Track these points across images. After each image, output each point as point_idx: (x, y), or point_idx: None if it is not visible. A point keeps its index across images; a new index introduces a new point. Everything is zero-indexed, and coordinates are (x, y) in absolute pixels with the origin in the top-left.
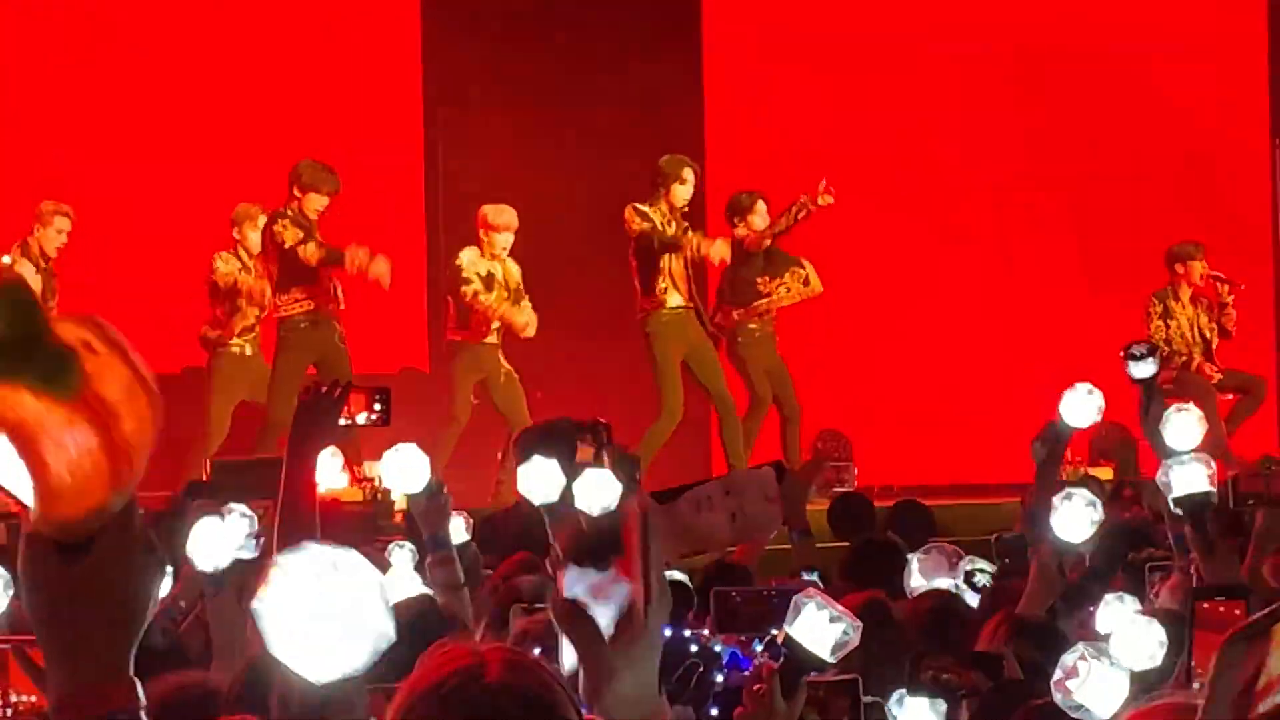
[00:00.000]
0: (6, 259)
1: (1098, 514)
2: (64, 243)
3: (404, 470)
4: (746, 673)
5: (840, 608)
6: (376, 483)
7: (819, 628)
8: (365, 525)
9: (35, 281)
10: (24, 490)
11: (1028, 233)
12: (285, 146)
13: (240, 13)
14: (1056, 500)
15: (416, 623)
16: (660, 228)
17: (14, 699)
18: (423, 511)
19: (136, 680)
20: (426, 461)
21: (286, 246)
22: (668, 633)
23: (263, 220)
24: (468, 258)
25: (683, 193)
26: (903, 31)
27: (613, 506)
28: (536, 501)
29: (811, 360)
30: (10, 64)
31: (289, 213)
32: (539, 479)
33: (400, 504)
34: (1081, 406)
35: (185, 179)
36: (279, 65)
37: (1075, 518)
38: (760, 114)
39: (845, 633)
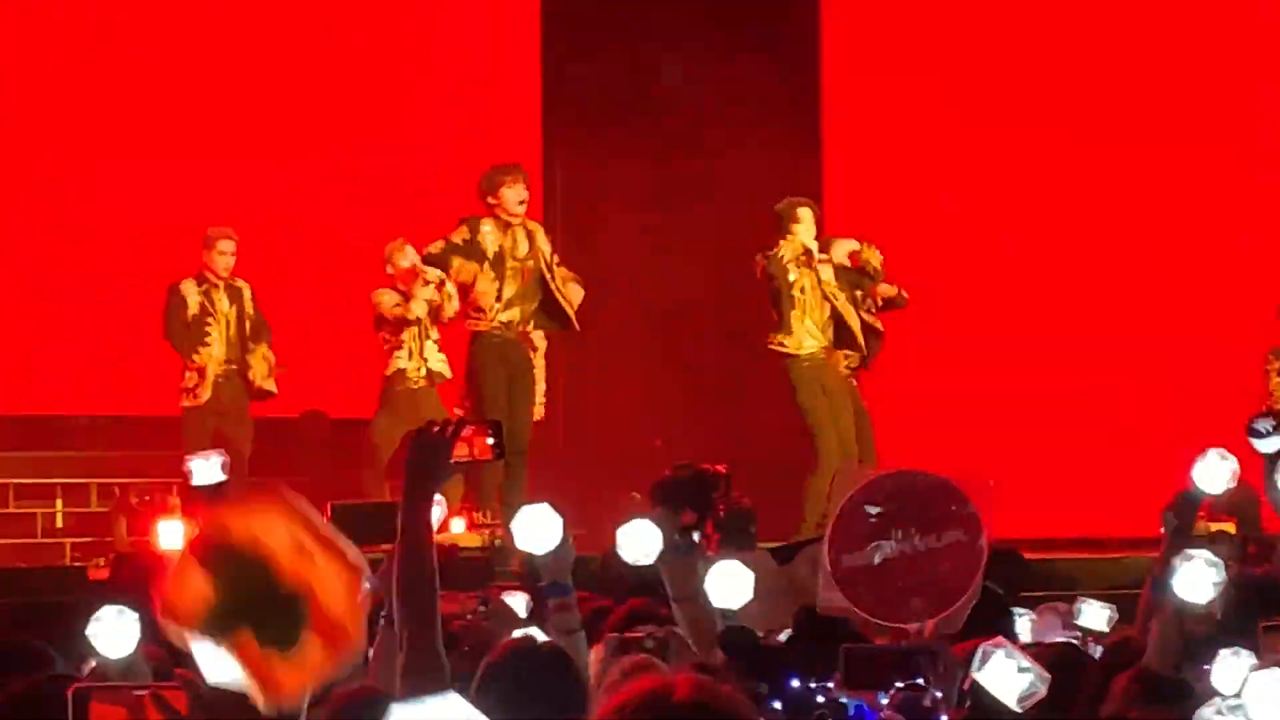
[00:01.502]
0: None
1: (1220, 575)
2: (231, 263)
3: (536, 530)
4: None
5: (1029, 659)
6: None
7: (1007, 676)
8: (482, 572)
9: (195, 301)
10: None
11: (1159, 273)
12: (405, 177)
13: (365, 52)
14: (1177, 561)
15: (531, 668)
16: (787, 271)
17: None
18: (545, 561)
19: None
20: (560, 522)
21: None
22: (794, 684)
23: (410, 250)
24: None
25: (802, 232)
26: (1016, 91)
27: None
28: (632, 562)
29: (929, 407)
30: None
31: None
32: (637, 540)
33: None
34: (1215, 473)
35: (326, 212)
36: (402, 100)
37: (1197, 579)
38: (879, 155)
39: (1033, 683)
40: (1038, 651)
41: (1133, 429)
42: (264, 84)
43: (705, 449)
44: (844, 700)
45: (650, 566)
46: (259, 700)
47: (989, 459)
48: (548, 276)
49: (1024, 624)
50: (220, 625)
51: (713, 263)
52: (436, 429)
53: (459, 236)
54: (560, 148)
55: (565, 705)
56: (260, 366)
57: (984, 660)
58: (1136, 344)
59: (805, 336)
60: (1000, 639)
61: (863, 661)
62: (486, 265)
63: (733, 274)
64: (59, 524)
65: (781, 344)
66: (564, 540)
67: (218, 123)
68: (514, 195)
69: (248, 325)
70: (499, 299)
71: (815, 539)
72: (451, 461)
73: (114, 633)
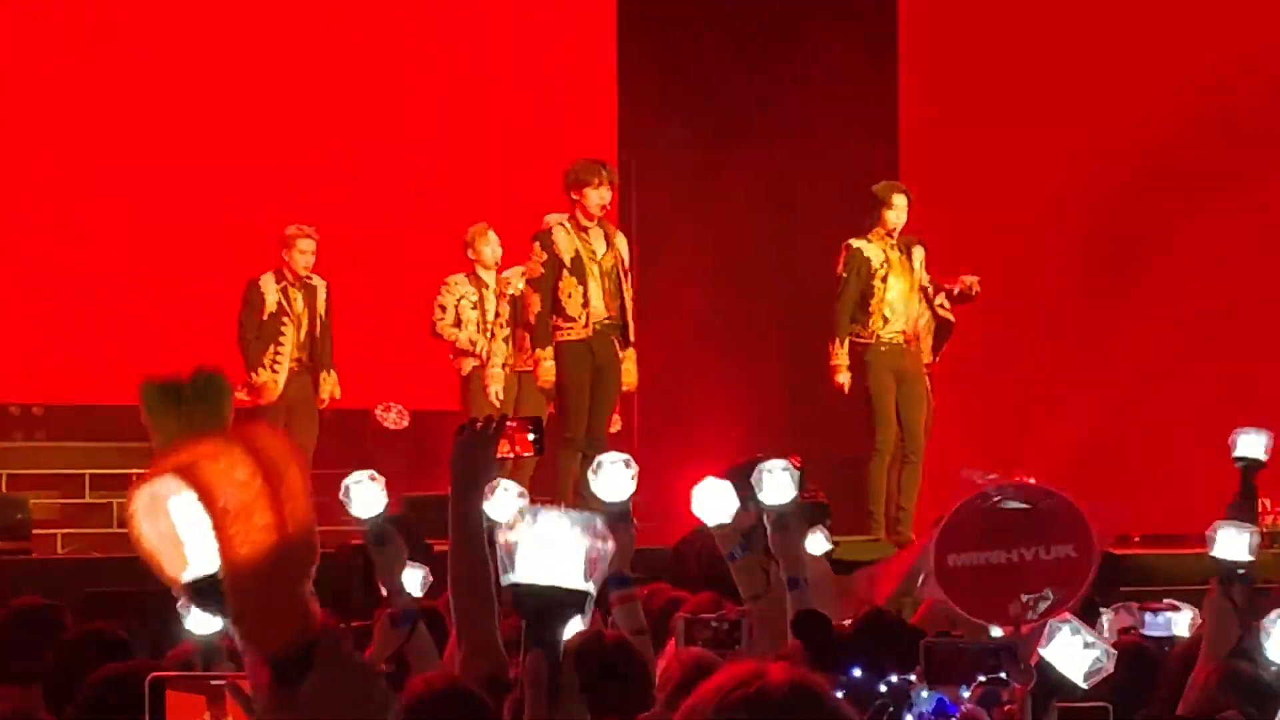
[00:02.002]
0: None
1: (1255, 537)
2: (310, 262)
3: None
4: (954, 718)
5: (1095, 634)
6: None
7: (1073, 652)
8: None
9: (273, 299)
10: (203, 554)
11: (1242, 265)
12: (480, 191)
13: (437, 61)
14: (1212, 530)
15: (597, 662)
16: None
17: None
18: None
19: None
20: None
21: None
22: (857, 673)
23: (493, 235)
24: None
25: (892, 217)
26: (1100, 62)
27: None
28: (710, 523)
29: (1010, 404)
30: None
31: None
32: (711, 500)
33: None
34: (1257, 442)
35: (401, 207)
36: (474, 111)
37: (1234, 540)
38: (956, 151)
39: (1099, 659)
40: (1114, 645)
41: (1213, 423)
42: (346, 79)
43: (780, 444)
44: (923, 694)
45: (720, 563)
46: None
47: (1064, 454)
48: (624, 283)
49: (1104, 619)
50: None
51: (784, 257)
52: (479, 426)
53: (539, 260)
54: (635, 146)
55: (631, 700)
56: (324, 377)
57: (1050, 636)
58: (1219, 335)
59: (885, 322)
60: (1066, 614)
61: (943, 656)
62: (566, 272)
63: (803, 269)
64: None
65: (858, 335)
66: (628, 529)
67: (302, 120)
68: (596, 197)
69: (319, 325)
70: (585, 303)
71: (874, 561)
72: (495, 457)
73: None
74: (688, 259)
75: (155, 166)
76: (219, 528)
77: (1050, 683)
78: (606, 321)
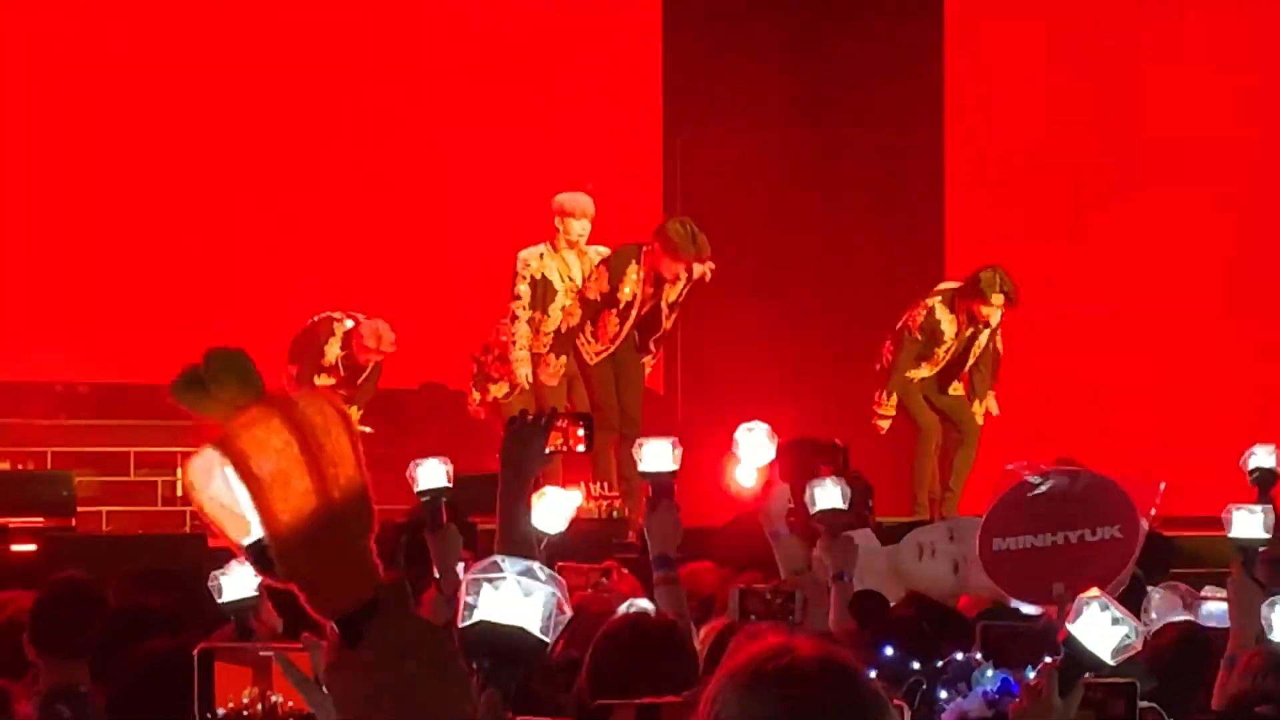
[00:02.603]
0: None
1: (1270, 516)
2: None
3: (658, 457)
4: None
5: (1124, 610)
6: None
7: (1101, 628)
8: (598, 543)
9: (334, 350)
10: (251, 521)
11: None
12: (530, 172)
13: (485, 41)
14: (1226, 513)
15: (643, 640)
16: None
17: (274, 699)
18: (651, 525)
19: None
20: (678, 454)
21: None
22: (889, 651)
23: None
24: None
25: (985, 312)
26: (1156, 49)
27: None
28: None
29: (1060, 382)
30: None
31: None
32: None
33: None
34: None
35: (451, 208)
36: (523, 93)
37: (1250, 521)
38: (1002, 134)
39: (1127, 636)
40: (1162, 629)
41: (1262, 404)
42: (401, 88)
43: (824, 426)
44: (989, 673)
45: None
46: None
47: (1116, 438)
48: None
49: (1151, 599)
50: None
51: (830, 241)
52: (530, 418)
53: (599, 286)
54: (679, 128)
55: (675, 677)
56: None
57: (1078, 612)
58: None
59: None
60: (1095, 590)
61: (999, 638)
62: (615, 311)
63: (850, 253)
64: (179, 492)
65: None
66: (670, 513)
67: (382, 128)
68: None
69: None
70: (617, 337)
71: (922, 522)
72: (546, 450)
73: (239, 573)
74: (733, 240)
75: (202, 152)
76: (257, 496)
77: (1078, 659)
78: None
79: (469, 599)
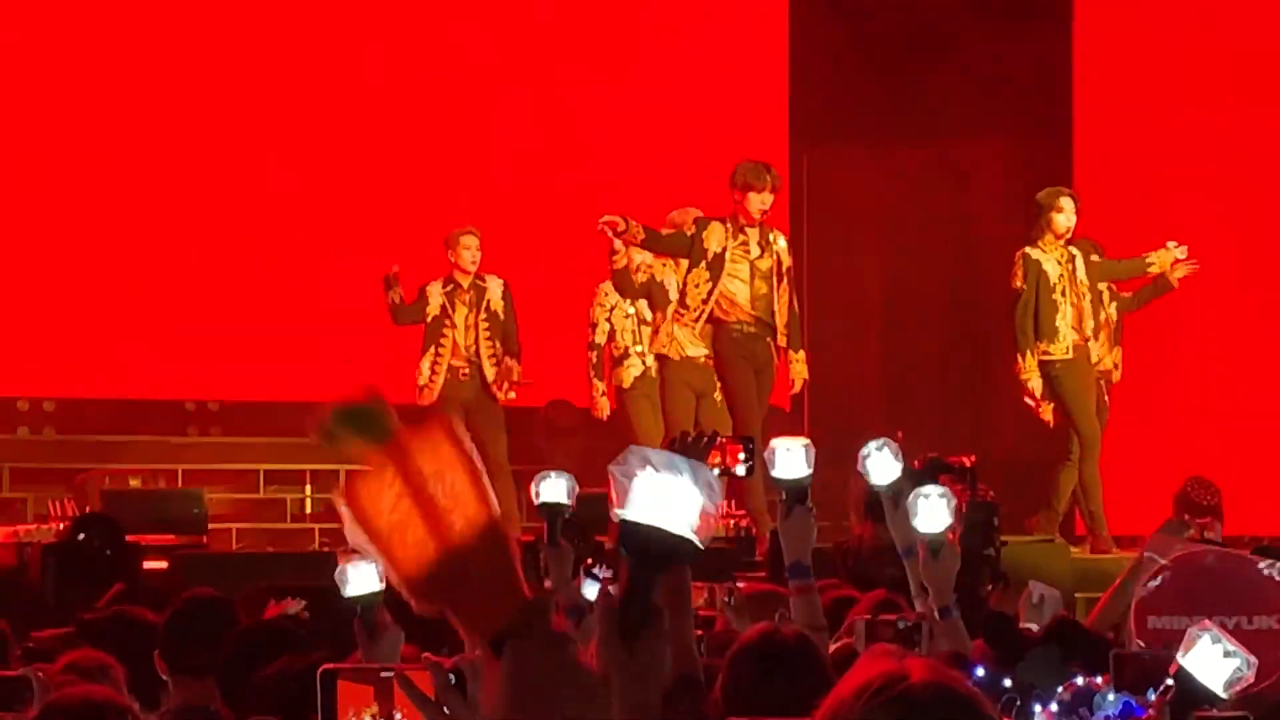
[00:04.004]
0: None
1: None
2: (476, 258)
3: (791, 461)
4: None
5: (1237, 643)
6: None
7: (1213, 661)
8: (726, 560)
9: (437, 302)
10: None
11: None
12: (650, 188)
13: (612, 56)
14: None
15: (775, 656)
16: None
17: (396, 718)
18: (786, 532)
19: None
20: (811, 454)
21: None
22: (980, 672)
23: None
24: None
25: (1062, 221)
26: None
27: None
28: (876, 482)
29: (1178, 401)
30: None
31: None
32: (879, 460)
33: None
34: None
35: (570, 213)
36: (649, 109)
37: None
38: (1132, 144)
39: (1239, 669)
40: None
41: None
42: (508, 76)
43: (950, 444)
44: (1109, 697)
45: (897, 564)
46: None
47: (1232, 457)
48: (777, 286)
49: None
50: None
51: (959, 257)
52: (690, 439)
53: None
54: (806, 144)
55: (809, 693)
56: (490, 371)
57: (1189, 645)
58: None
59: (1068, 334)
60: (1206, 622)
61: (1133, 667)
62: (704, 264)
63: (978, 268)
64: (308, 509)
65: (1047, 352)
66: (805, 518)
67: (465, 120)
68: (759, 201)
69: (487, 324)
70: (707, 299)
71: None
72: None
73: (363, 567)
74: (861, 257)
75: (329, 171)
76: (379, 549)
77: (1190, 692)
78: (753, 325)
79: (616, 493)
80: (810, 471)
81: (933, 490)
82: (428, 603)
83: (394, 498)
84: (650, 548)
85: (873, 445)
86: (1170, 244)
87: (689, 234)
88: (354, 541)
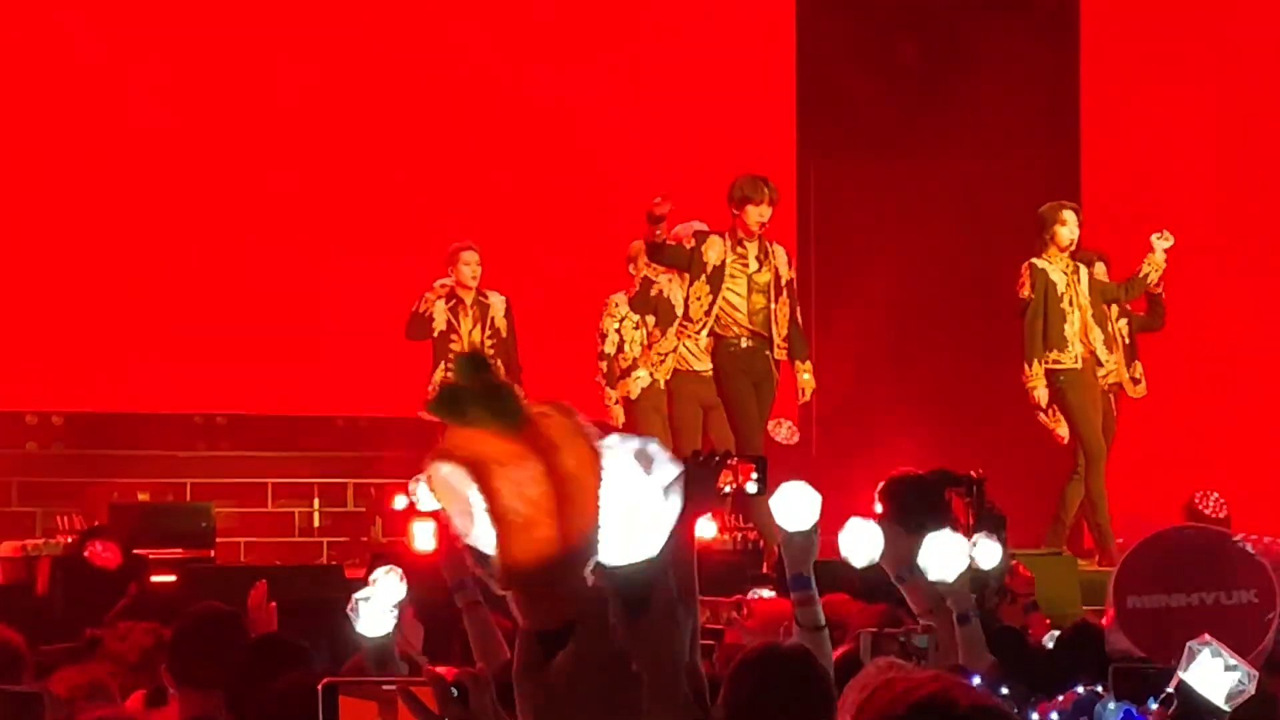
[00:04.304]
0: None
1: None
2: (477, 274)
3: (795, 507)
4: None
5: (1237, 656)
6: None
7: (1215, 675)
8: (735, 574)
9: (442, 318)
10: (485, 537)
11: None
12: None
13: (619, 67)
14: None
15: (775, 669)
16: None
17: None
18: (792, 548)
19: None
20: (817, 500)
21: None
22: (976, 681)
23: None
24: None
25: (1065, 234)
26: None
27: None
28: (858, 564)
29: (1187, 413)
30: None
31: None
32: (858, 540)
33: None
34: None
35: (576, 223)
36: (657, 120)
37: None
38: (1138, 159)
39: (1240, 681)
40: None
41: None
42: (514, 90)
43: (965, 457)
44: (1110, 705)
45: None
46: (490, 546)
47: (1241, 469)
48: (776, 299)
49: None
50: (445, 401)
51: (966, 270)
52: (702, 458)
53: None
54: (814, 157)
55: (809, 705)
56: None
57: (1190, 658)
58: None
59: (1076, 344)
60: (1206, 636)
61: (1134, 681)
62: (704, 278)
63: (987, 282)
64: (316, 523)
65: (1057, 361)
66: (810, 529)
67: (470, 134)
68: (757, 214)
69: (492, 339)
70: (709, 310)
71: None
72: (718, 489)
73: (376, 607)
74: (868, 270)
75: (333, 184)
76: (500, 532)
77: (1192, 706)
78: (750, 339)
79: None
80: (815, 516)
81: (935, 540)
82: (509, 585)
83: (537, 495)
84: (640, 581)
85: (850, 524)
86: (1155, 238)
87: (689, 247)
88: (450, 494)
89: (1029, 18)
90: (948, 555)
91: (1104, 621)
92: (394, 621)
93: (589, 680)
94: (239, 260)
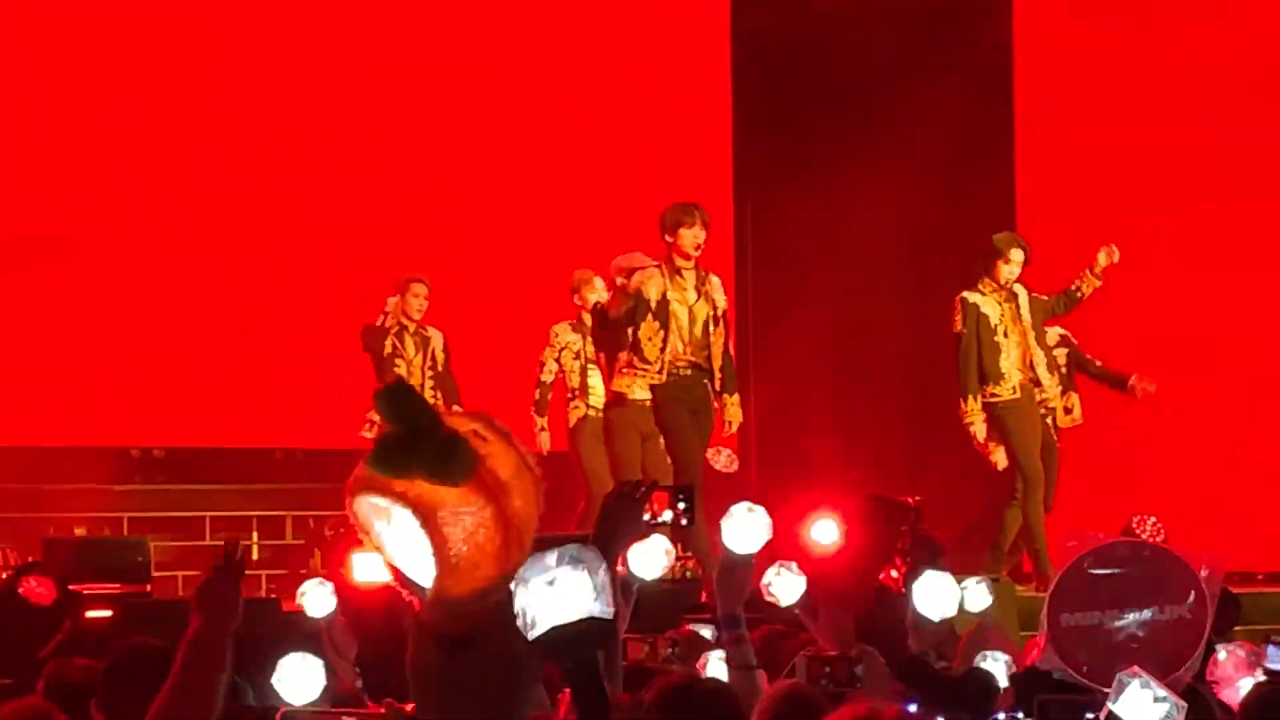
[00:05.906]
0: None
1: None
2: (424, 307)
3: (741, 529)
4: None
5: (1165, 688)
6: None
7: (1143, 706)
8: (671, 602)
9: (388, 343)
10: (422, 572)
11: None
12: (596, 235)
13: (555, 99)
14: None
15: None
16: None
17: None
18: (722, 586)
19: None
20: (768, 525)
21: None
22: (913, 709)
23: (600, 283)
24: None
25: (1005, 272)
26: (1220, 94)
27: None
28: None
29: (1123, 434)
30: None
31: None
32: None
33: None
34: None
35: (516, 246)
36: (586, 154)
37: None
38: (1072, 186)
39: (1169, 713)
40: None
41: None
42: (449, 120)
43: (897, 484)
44: None
45: None
46: (427, 580)
47: (1184, 490)
48: (712, 329)
49: (1221, 658)
50: (391, 461)
51: (904, 298)
52: (627, 489)
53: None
54: (751, 186)
55: None
56: None
57: (1120, 690)
58: None
59: (1013, 374)
60: (1135, 669)
61: (1059, 710)
62: (650, 316)
63: (925, 311)
64: (255, 556)
65: (994, 394)
66: (744, 571)
67: (409, 167)
68: (691, 237)
69: (432, 374)
70: (663, 348)
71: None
72: (643, 520)
73: (299, 679)
74: (806, 302)
75: (272, 213)
76: (442, 572)
77: None
78: (689, 368)
79: (526, 606)
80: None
81: (930, 580)
82: (443, 610)
83: (484, 540)
84: (569, 644)
85: (771, 571)
86: (1102, 253)
87: (630, 301)
88: (379, 538)
89: (965, 48)
90: (939, 595)
91: (1031, 657)
92: (322, 685)
93: (485, 683)
94: (175, 293)
